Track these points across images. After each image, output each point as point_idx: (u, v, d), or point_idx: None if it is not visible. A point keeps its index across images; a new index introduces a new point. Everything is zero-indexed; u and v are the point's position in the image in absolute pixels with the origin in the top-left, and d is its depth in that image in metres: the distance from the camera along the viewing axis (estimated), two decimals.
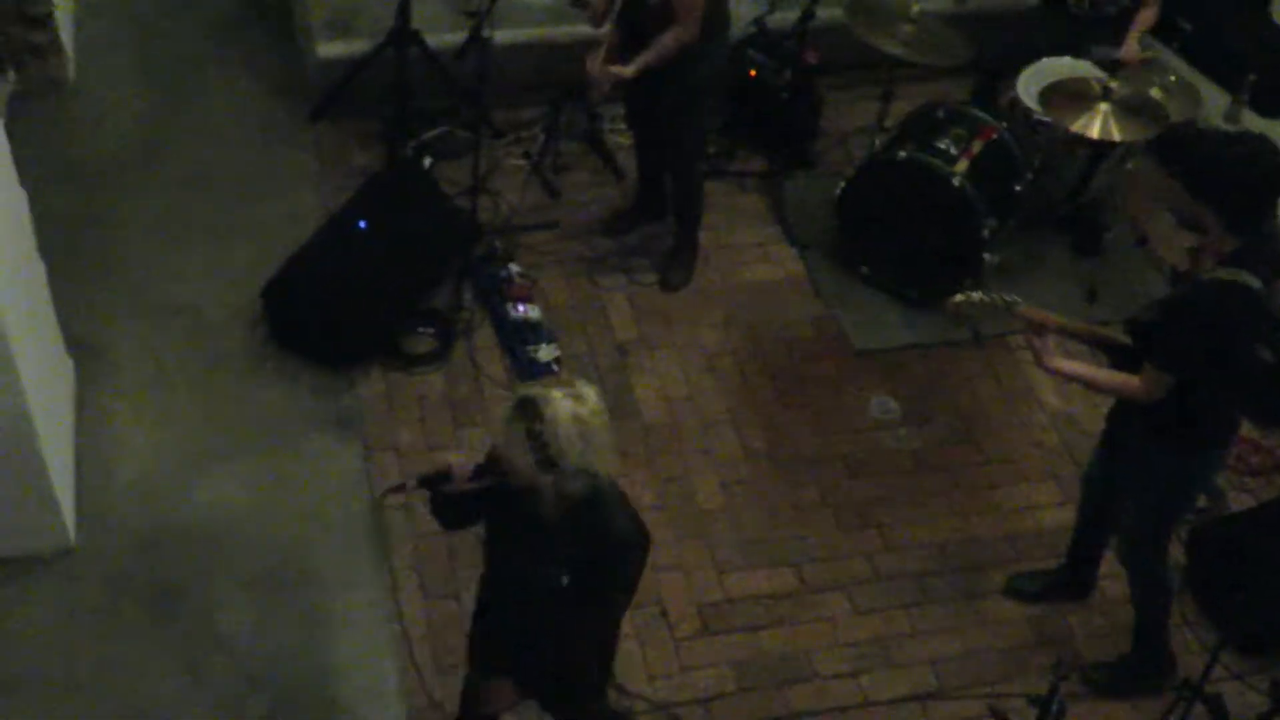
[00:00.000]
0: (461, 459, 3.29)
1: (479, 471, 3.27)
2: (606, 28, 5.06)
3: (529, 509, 3.27)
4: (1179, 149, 3.83)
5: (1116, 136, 5.37)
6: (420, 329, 5.44)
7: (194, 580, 4.65)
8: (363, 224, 5.34)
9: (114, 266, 5.52)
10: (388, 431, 5.14)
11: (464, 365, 5.39)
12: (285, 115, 6.25)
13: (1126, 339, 4.10)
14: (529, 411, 3.09)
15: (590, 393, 3.16)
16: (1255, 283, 3.77)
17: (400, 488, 3.40)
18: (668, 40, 5.00)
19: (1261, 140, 3.80)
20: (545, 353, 5.41)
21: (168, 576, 4.65)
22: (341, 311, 5.19)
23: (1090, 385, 4.20)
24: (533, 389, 3.16)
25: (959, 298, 4.14)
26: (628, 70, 5.01)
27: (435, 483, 3.33)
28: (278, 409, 5.16)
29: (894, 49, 5.64)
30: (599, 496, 3.23)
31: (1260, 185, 3.73)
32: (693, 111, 5.39)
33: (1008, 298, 4.07)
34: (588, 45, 5.16)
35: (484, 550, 3.60)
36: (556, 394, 3.11)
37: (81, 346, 5.17)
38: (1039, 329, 4.06)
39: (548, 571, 3.30)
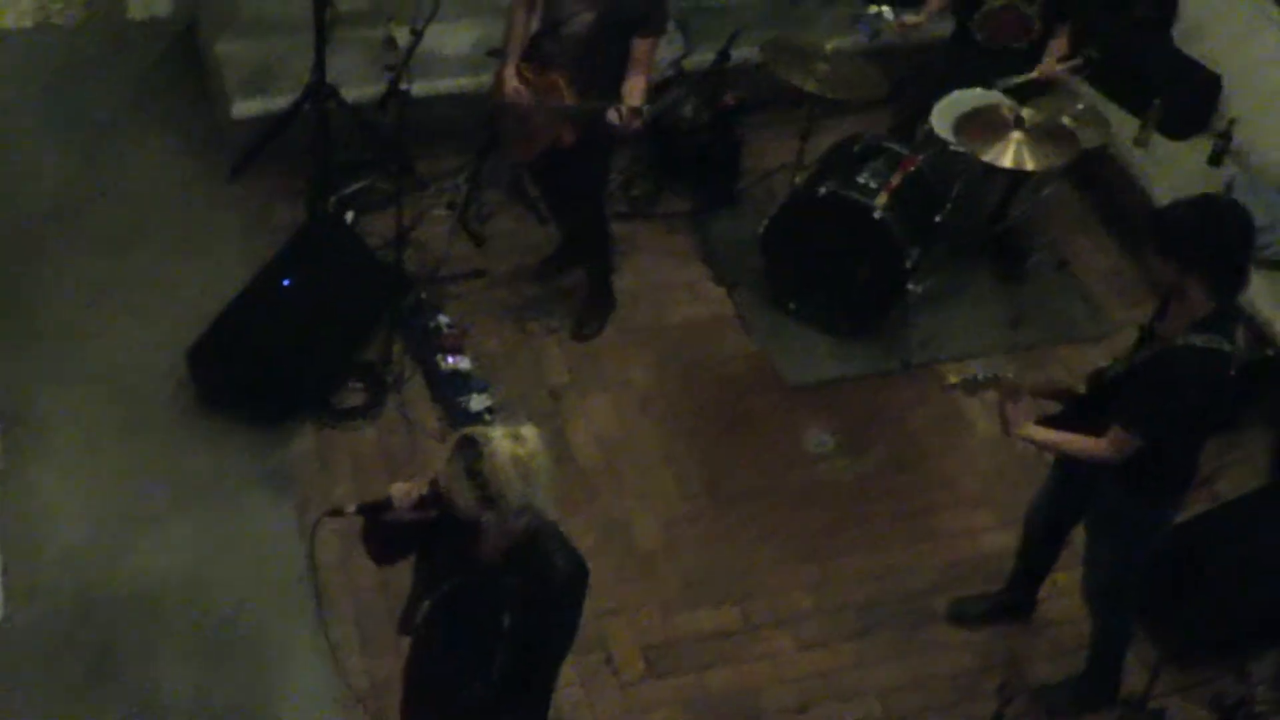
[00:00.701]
0: (404, 487, 3.25)
1: (422, 502, 3.23)
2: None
3: (468, 548, 3.25)
4: (1160, 226, 3.84)
5: (1029, 165, 5.44)
6: (351, 383, 5.39)
7: (130, 649, 4.55)
8: (287, 281, 5.28)
9: (35, 333, 5.42)
10: (321, 488, 5.07)
11: (396, 418, 5.34)
12: (205, 174, 6.19)
13: (1081, 389, 4.14)
14: (469, 451, 3.10)
15: (530, 433, 3.16)
16: (1229, 347, 3.79)
17: (337, 512, 3.35)
18: (640, 91, 5.04)
19: (1221, 201, 3.89)
20: (477, 402, 5.38)
21: (103, 646, 4.54)
22: (270, 369, 5.13)
23: (1058, 451, 4.19)
24: (475, 429, 3.17)
25: (953, 379, 4.20)
26: (639, 102, 5.01)
27: (376, 510, 3.29)
28: (209, 470, 5.07)
29: (811, 86, 5.70)
30: (539, 534, 3.24)
31: (1237, 247, 3.77)
32: (602, 164, 5.41)
33: (999, 373, 4.13)
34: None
35: (414, 584, 3.51)
36: (496, 433, 3.12)
37: (4, 416, 5.06)
38: (1014, 395, 4.09)
39: (489, 613, 3.26)
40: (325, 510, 3.36)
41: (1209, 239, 3.74)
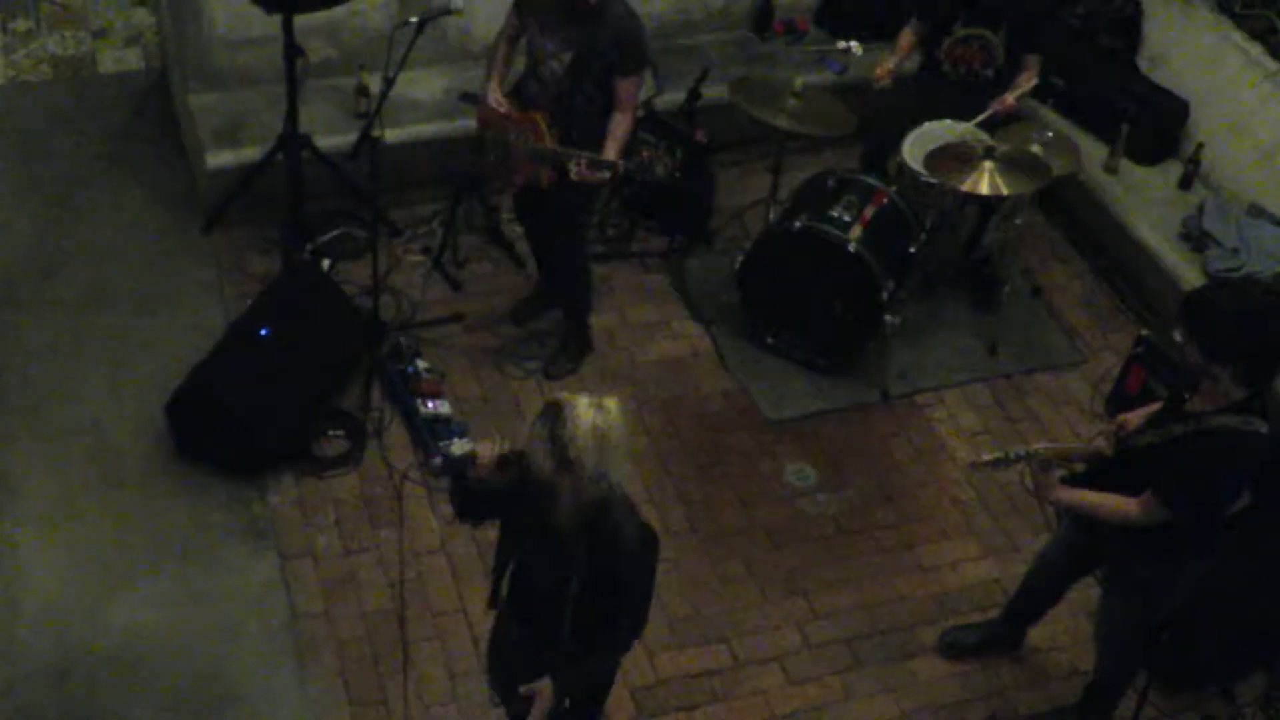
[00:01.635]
0: (487, 445, 3.38)
1: (503, 462, 3.36)
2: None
3: (544, 512, 3.35)
4: (1193, 313, 3.78)
5: (1004, 191, 5.47)
6: (330, 432, 5.35)
7: (110, 709, 4.47)
8: (264, 331, 5.25)
9: (10, 390, 5.36)
10: (303, 538, 5.02)
11: (377, 465, 5.30)
12: (179, 227, 6.16)
13: (1108, 451, 4.13)
14: (553, 416, 3.22)
15: (613, 404, 3.27)
16: (1264, 428, 3.77)
17: (425, 465, 3.52)
18: (625, 126, 5.08)
19: (1268, 295, 3.86)
20: (458, 447, 5.26)
21: (82, 706, 4.47)
22: (248, 420, 5.08)
23: (1091, 513, 4.14)
24: (561, 395, 3.28)
25: (986, 458, 4.20)
26: (613, 156, 5.02)
27: (460, 466, 3.42)
28: (188, 524, 5.02)
29: (781, 123, 5.71)
30: (611, 503, 3.33)
31: (1266, 346, 3.72)
32: (583, 206, 5.40)
33: (1025, 450, 4.13)
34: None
35: (496, 555, 3.65)
36: (581, 401, 3.24)
37: None
38: (1044, 465, 4.10)
39: (559, 576, 3.38)
40: (412, 465, 3.58)
41: (1244, 337, 3.69)
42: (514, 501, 3.45)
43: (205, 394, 5.15)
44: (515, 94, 5.24)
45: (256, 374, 5.15)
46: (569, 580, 3.38)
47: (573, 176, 4.95)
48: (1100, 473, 4.12)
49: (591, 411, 3.22)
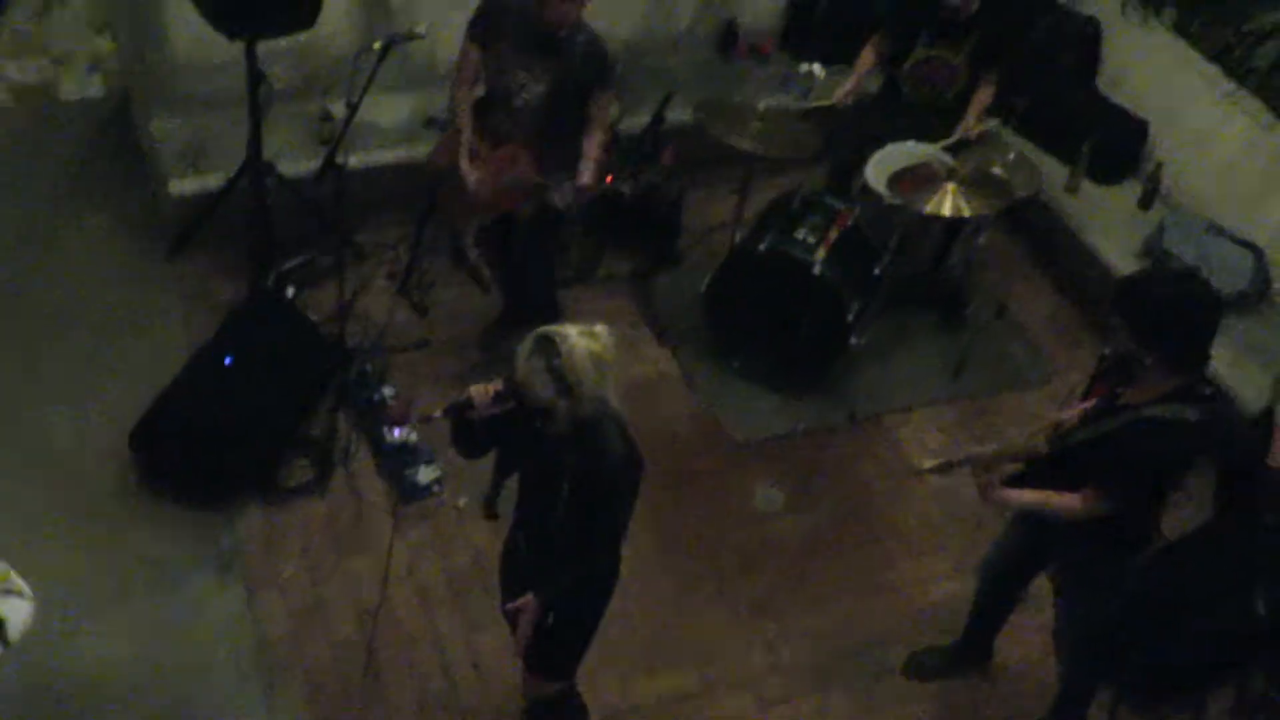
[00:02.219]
0: (481, 388, 3.56)
1: (499, 397, 3.55)
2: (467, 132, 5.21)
3: (540, 429, 3.58)
4: (1124, 298, 3.83)
5: (966, 213, 5.50)
6: (296, 460, 5.30)
7: None
8: (229, 359, 5.20)
9: None
10: (270, 567, 4.96)
11: (344, 493, 5.25)
12: (143, 254, 6.11)
13: (1043, 449, 4.14)
14: (548, 348, 3.42)
15: (603, 330, 3.50)
16: (1194, 415, 3.78)
17: (427, 417, 3.71)
18: (599, 149, 5.10)
19: (1194, 281, 3.86)
20: (425, 474, 5.30)
21: None
22: (214, 449, 5.03)
23: (1037, 510, 4.16)
24: (549, 328, 3.47)
25: (927, 465, 4.20)
26: (589, 180, 5.05)
27: (461, 409, 3.61)
28: (154, 554, 4.95)
29: (746, 145, 5.71)
30: (603, 421, 3.55)
31: (1194, 331, 3.76)
32: (550, 233, 5.39)
33: (966, 454, 4.14)
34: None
35: (494, 472, 3.94)
36: (572, 331, 3.45)
37: None
38: (985, 466, 4.11)
39: (552, 482, 3.60)
40: (417, 417, 3.72)
41: (1174, 321, 3.73)
42: (511, 426, 3.64)
43: (169, 423, 5.10)
44: (480, 129, 5.22)
45: (221, 402, 5.11)
46: (560, 484, 3.59)
47: (558, 204, 4.95)
48: (1039, 471, 4.14)
49: (584, 339, 3.43)
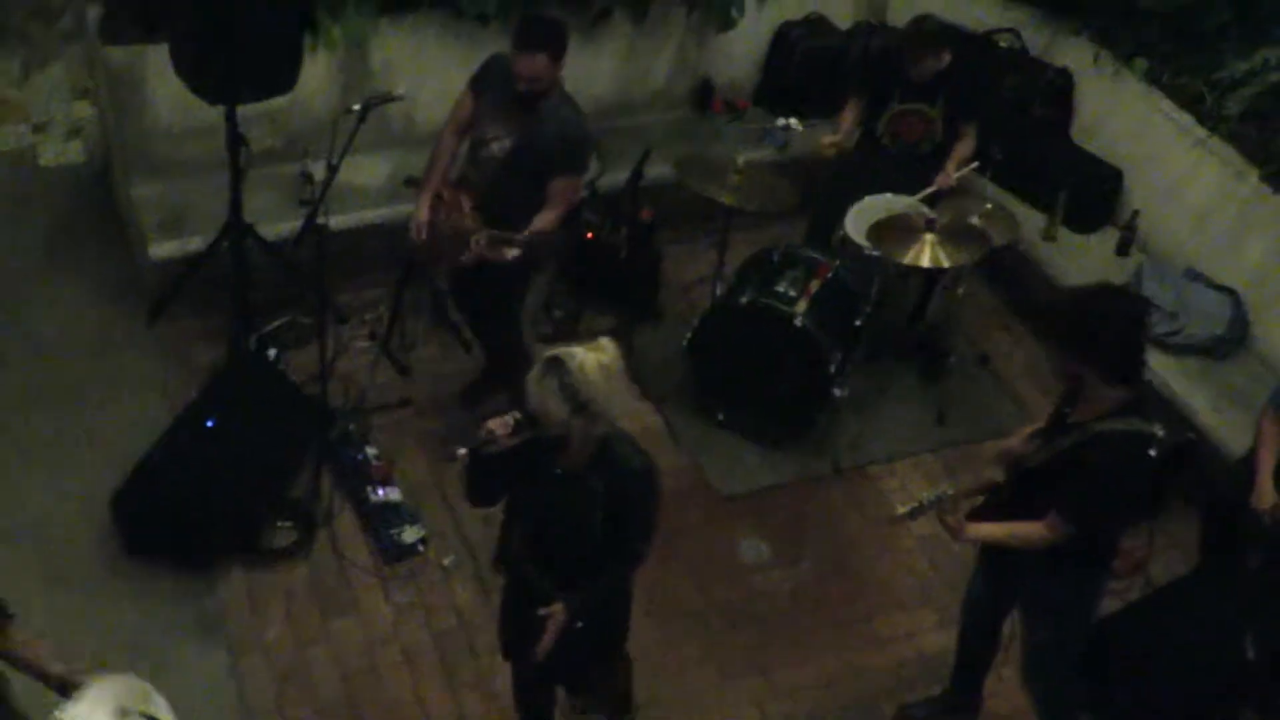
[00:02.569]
0: (496, 420, 3.63)
1: (517, 427, 3.61)
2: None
3: (555, 462, 3.68)
4: (1051, 315, 3.90)
5: (946, 263, 5.52)
6: (279, 522, 5.27)
7: None
8: (211, 422, 5.18)
9: None
10: (253, 631, 4.92)
11: (328, 555, 5.21)
12: (123, 319, 6.09)
13: (1000, 478, 4.15)
14: (557, 367, 3.51)
15: (608, 342, 3.61)
16: (1149, 428, 3.82)
17: (453, 457, 3.78)
18: (545, 224, 5.03)
19: (1115, 291, 3.92)
20: (410, 534, 5.27)
21: None
22: (196, 513, 5.00)
23: (1003, 543, 4.15)
24: (555, 349, 3.57)
25: (900, 510, 4.16)
26: (521, 240, 4.98)
27: (482, 446, 3.65)
28: (136, 622, 4.90)
29: (725, 199, 5.73)
30: (612, 440, 3.65)
31: (1122, 339, 3.79)
32: (516, 288, 5.38)
33: (938, 495, 4.11)
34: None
35: (505, 523, 3.97)
36: (578, 350, 3.54)
37: None
38: (952, 508, 4.10)
39: (582, 514, 3.67)
40: (444, 456, 3.87)
41: (1096, 330, 3.76)
42: (525, 462, 3.70)
43: (151, 488, 5.07)
44: (457, 180, 5.26)
45: (203, 466, 5.07)
46: (592, 513, 3.66)
47: (472, 248, 4.91)
48: (1000, 502, 4.14)
49: (592, 354, 3.53)
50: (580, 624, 3.85)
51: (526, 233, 4.96)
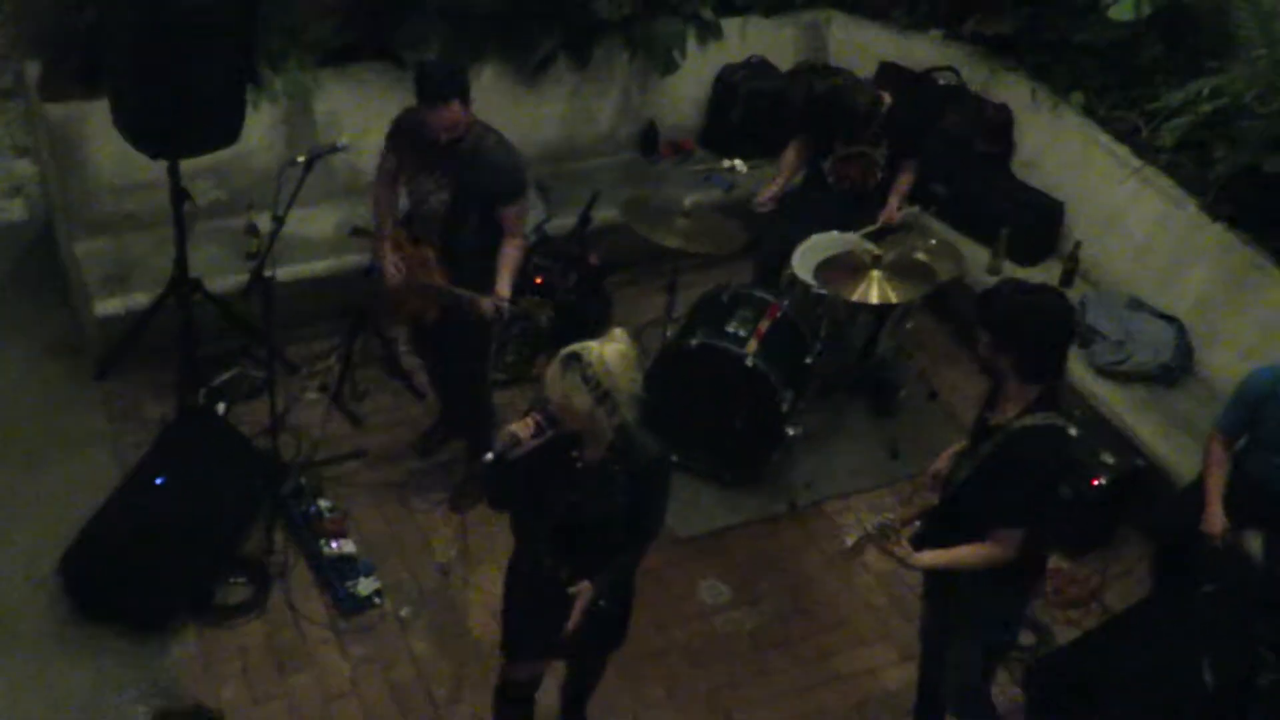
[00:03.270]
0: (520, 423, 3.74)
1: (539, 427, 3.73)
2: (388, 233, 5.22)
3: (576, 458, 3.82)
4: (982, 304, 3.95)
5: (893, 299, 5.55)
6: (232, 578, 5.20)
7: None
8: (160, 479, 5.11)
9: None
10: (208, 692, 4.83)
11: (283, 610, 5.15)
12: (69, 377, 6.02)
13: (934, 500, 4.15)
14: (575, 363, 3.63)
15: (619, 332, 3.74)
16: (1062, 422, 3.88)
17: (479, 465, 3.78)
18: (515, 254, 5.08)
19: (1046, 291, 3.95)
20: (365, 586, 5.22)
21: None
22: (147, 572, 4.92)
23: (954, 567, 4.12)
24: (569, 347, 3.68)
25: (850, 540, 4.14)
26: (508, 293, 5.02)
27: (507, 450, 3.74)
28: (87, 685, 4.81)
29: (673, 242, 5.75)
30: (625, 428, 3.76)
31: (1049, 333, 3.86)
32: (480, 338, 5.37)
33: (882, 521, 4.10)
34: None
35: (520, 536, 4.06)
36: (593, 344, 3.67)
37: None
38: (895, 537, 4.07)
39: (606, 503, 3.81)
40: (478, 467, 3.78)
41: (1022, 320, 3.83)
42: (547, 461, 3.80)
43: (101, 548, 4.99)
44: (406, 225, 5.24)
45: (154, 524, 5.00)
46: (616, 501, 3.81)
47: (488, 312, 4.95)
48: (939, 524, 4.15)
49: (609, 345, 3.66)
50: (603, 602, 3.98)
51: (504, 282, 5.02)
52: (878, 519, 4.09)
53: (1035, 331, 3.84)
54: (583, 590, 3.92)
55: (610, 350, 3.66)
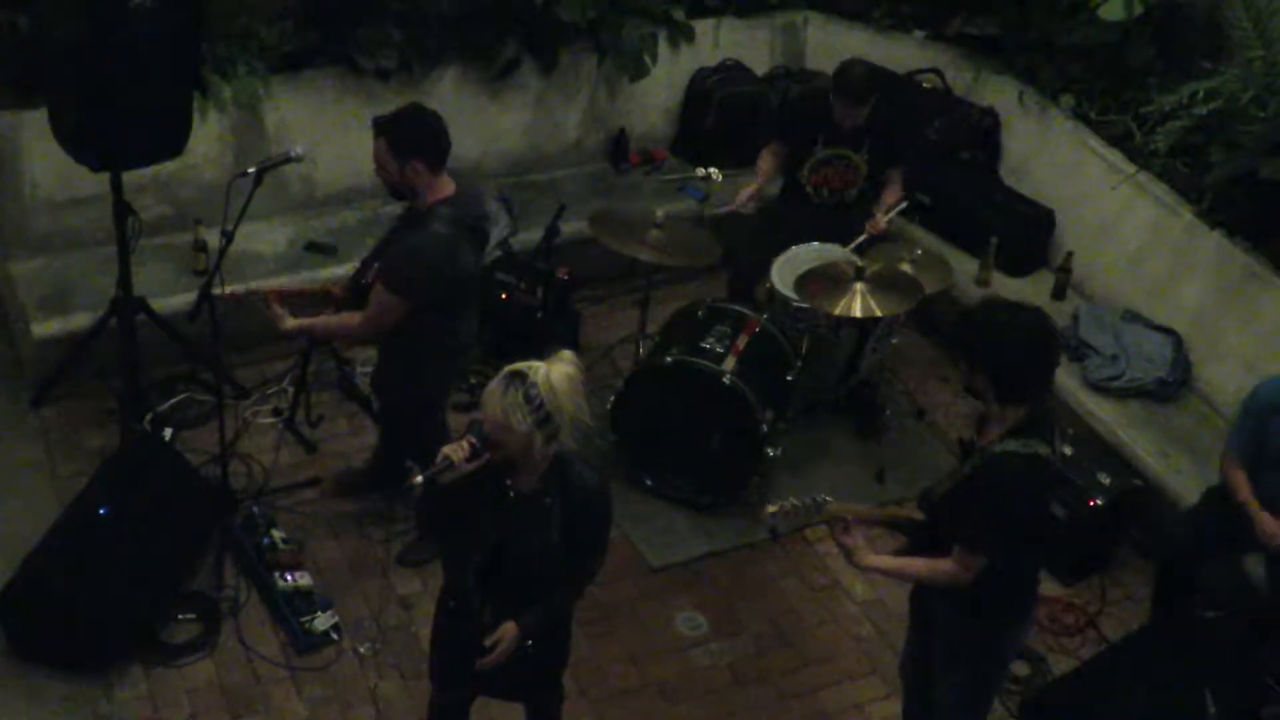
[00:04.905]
0: (453, 446, 3.66)
1: (475, 451, 3.66)
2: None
3: (509, 487, 3.78)
4: (963, 325, 3.98)
5: (878, 312, 5.58)
6: (180, 615, 5.17)
7: None
8: (103, 510, 5.09)
9: None
10: None
11: (234, 648, 5.12)
12: (4, 404, 6.00)
13: (920, 515, 4.17)
14: (521, 380, 3.61)
15: (569, 354, 3.72)
16: (1045, 449, 3.89)
17: (413, 487, 3.70)
18: (333, 324, 5.08)
19: (1033, 315, 3.95)
20: (322, 621, 5.20)
21: None
22: (88, 611, 4.89)
23: (904, 578, 4.18)
24: (515, 365, 3.65)
25: (771, 508, 4.15)
26: (288, 324, 5.00)
27: (439, 474, 3.67)
28: None
29: (645, 255, 5.77)
30: (563, 458, 3.78)
31: (1028, 360, 3.87)
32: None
33: (817, 498, 4.10)
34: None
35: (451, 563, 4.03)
36: (540, 364, 3.64)
37: None
38: (844, 526, 4.09)
39: (540, 535, 3.78)
40: (403, 489, 3.71)
41: (999, 340, 3.86)
42: (479, 487, 3.74)
43: (40, 584, 4.95)
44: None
45: (96, 558, 4.97)
46: (549, 534, 3.78)
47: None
48: (922, 542, 4.15)
49: (555, 365, 3.65)
50: (531, 644, 3.93)
51: (301, 322, 5.01)
52: (818, 497, 4.09)
53: (1012, 352, 3.85)
54: (505, 634, 3.85)
55: (557, 371, 3.64)
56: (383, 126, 4.82)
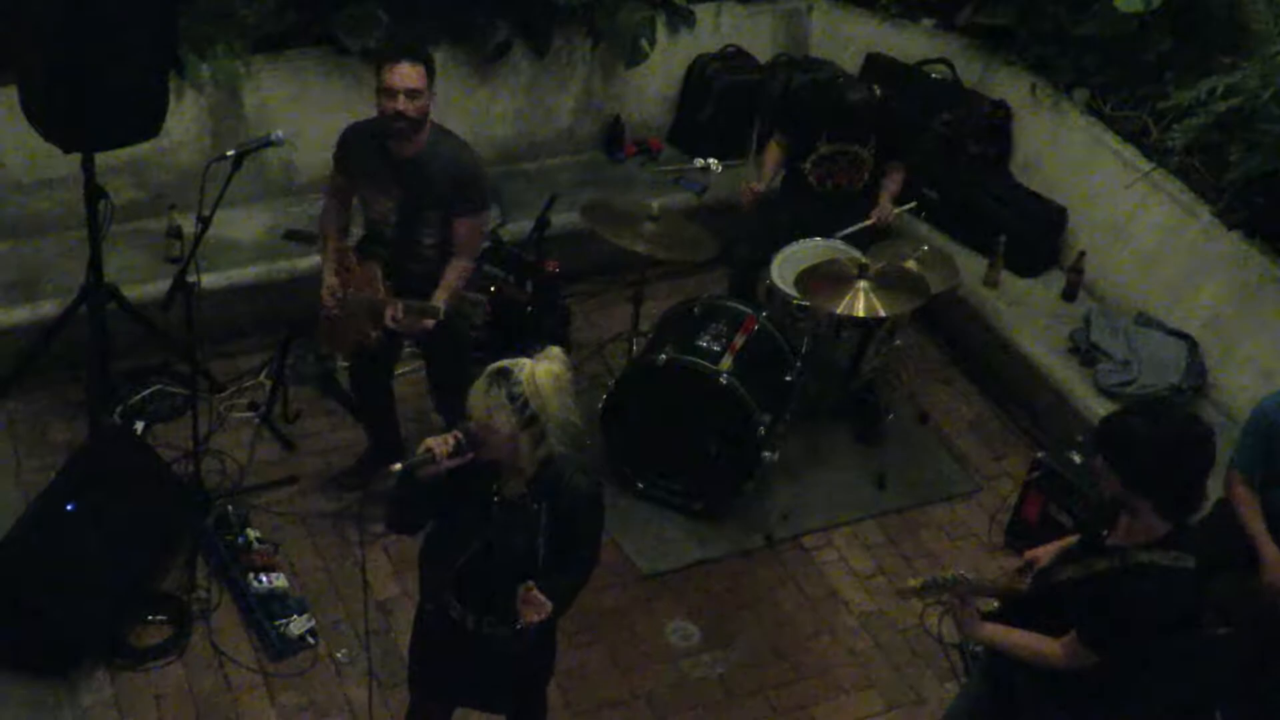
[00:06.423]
0: (439, 439, 3.67)
1: (458, 448, 3.67)
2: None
3: (495, 490, 3.78)
4: (1110, 441, 3.85)
5: (882, 312, 5.59)
6: (150, 617, 5.18)
7: None
8: (71, 506, 5.09)
9: None
10: None
11: (205, 652, 5.13)
12: None
13: (1023, 586, 4.16)
14: (507, 379, 3.61)
15: (556, 351, 3.71)
16: (1191, 562, 3.82)
17: (389, 475, 3.73)
18: (456, 276, 5.14)
19: (1184, 419, 3.89)
20: (297, 625, 5.21)
21: None
22: (54, 610, 4.89)
23: (1010, 652, 4.11)
24: (501, 361, 3.65)
25: (913, 583, 4.18)
26: (438, 302, 5.02)
27: (418, 468, 3.68)
28: None
29: (640, 248, 5.77)
30: (553, 461, 3.75)
31: (1191, 476, 3.79)
32: (466, 369, 5.36)
33: (951, 575, 4.13)
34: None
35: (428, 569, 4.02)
36: (526, 361, 3.65)
37: None
38: (965, 598, 4.10)
39: (524, 542, 3.77)
40: (374, 482, 3.82)
41: (1165, 467, 3.76)
42: (460, 487, 3.75)
43: (3, 583, 4.95)
44: (360, 245, 5.27)
45: (62, 557, 4.98)
46: (534, 542, 3.76)
47: (388, 323, 4.96)
48: (1016, 610, 4.15)
49: (542, 363, 3.64)
50: (515, 647, 3.94)
51: (441, 296, 5.01)
52: (954, 573, 4.13)
53: (1183, 473, 3.76)
54: (529, 590, 3.71)
55: (543, 369, 3.64)
56: (423, 55, 4.97)
